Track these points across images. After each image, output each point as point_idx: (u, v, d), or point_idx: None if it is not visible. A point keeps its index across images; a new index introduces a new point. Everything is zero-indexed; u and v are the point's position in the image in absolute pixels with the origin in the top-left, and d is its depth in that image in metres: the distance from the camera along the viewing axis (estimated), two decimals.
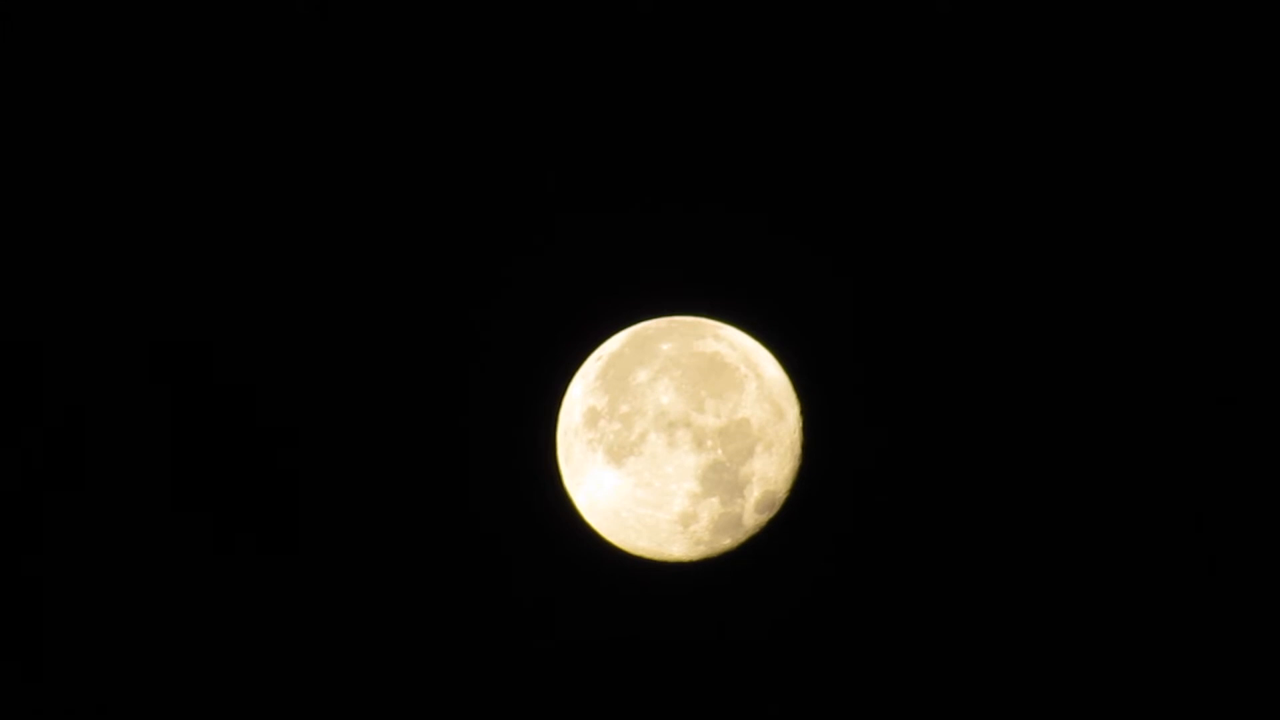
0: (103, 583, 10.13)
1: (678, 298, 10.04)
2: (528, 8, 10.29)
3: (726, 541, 9.65)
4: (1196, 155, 10.37)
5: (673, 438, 9.25)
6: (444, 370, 10.22)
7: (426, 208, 10.26)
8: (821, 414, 9.96)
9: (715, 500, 9.39)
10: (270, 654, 10.15)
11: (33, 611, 10.10)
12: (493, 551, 10.20)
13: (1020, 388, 10.31)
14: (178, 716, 10.12)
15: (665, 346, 9.58)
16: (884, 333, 10.27)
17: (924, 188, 10.32)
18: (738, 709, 10.21)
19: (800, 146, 10.29)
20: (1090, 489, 10.29)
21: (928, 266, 10.30)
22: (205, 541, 10.16)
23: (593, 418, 9.49)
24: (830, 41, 10.31)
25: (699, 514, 9.41)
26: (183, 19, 10.23)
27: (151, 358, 10.22)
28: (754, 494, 9.52)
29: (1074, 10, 10.32)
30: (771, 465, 9.57)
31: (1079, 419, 10.31)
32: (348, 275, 10.24)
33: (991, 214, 10.34)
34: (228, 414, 10.20)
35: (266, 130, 10.25)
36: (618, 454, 9.35)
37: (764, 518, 9.67)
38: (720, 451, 9.32)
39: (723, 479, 9.36)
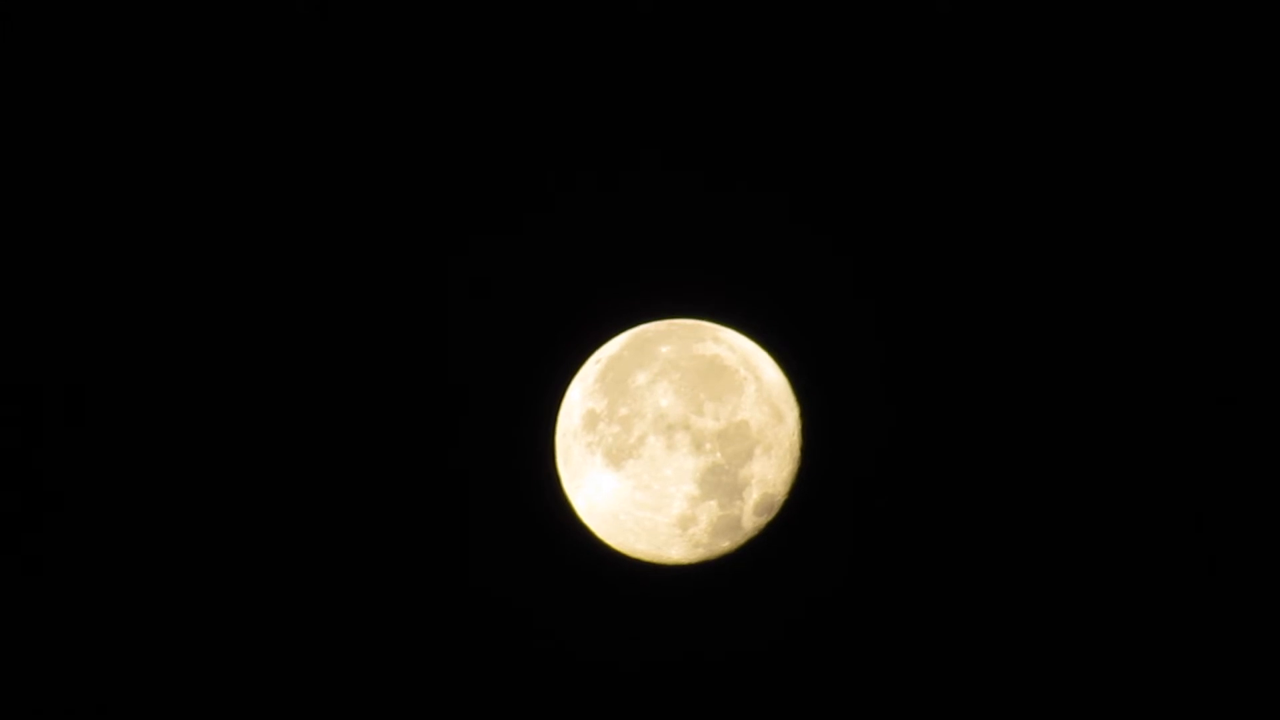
0: (102, 583, 10.16)
1: (677, 300, 10.03)
2: (528, 7, 10.28)
3: (725, 544, 9.66)
4: (1196, 155, 10.36)
5: (672, 440, 9.25)
6: (443, 372, 10.22)
7: (426, 208, 10.26)
8: (820, 417, 9.96)
9: (714, 503, 9.39)
10: (268, 657, 10.17)
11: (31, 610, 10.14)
12: (491, 554, 10.21)
13: (1020, 389, 10.31)
14: (179, 717, 10.15)
15: (664, 349, 9.58)
16: (883, 335, 10.27)
17: (924, 190, 10.31)
18: (737, 712, 10.23)
19: (800, 148, 10.28)
20: (1090, 490, 10.29)
21: (927, 269, 10.30)
22: (201, 545, 10.17)
23: (592, 420, 9.50)
24: (830, 43, 10.29)
25: (698, 517, 9.41)
26: (183, 19, 10.22)
27: (150, 356, 10.23)
28: (753, 497, 9.52)
29: (1076, 9, 10.30)
30: (770, 468, 9.57)
31: (1078, 420, 10.31)
32: (347, 276, 10.24)
33: (992, 216, 10.33)
34: (226, 414, 10.21)
35: (267, 129, 10.25)
36: (617, 457, 9.35)
37: (763, 520, 9.68)
38: (719, 454, 9.32)
39: (721, 482, 9.37)
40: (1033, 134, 10.33)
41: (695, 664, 10.22)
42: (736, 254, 10.22)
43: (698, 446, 9.27)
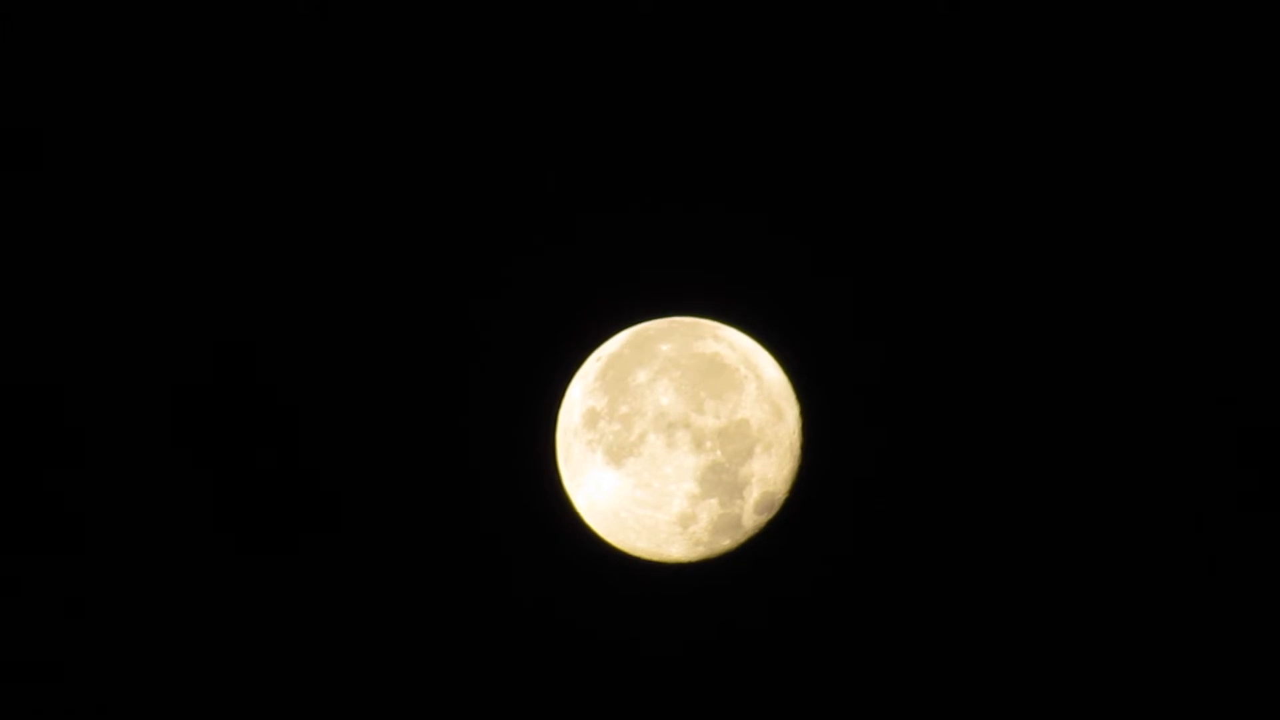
0: (100, 585, 10.15)
1: (677, 298, 10.04)
2: (528, 7, 10.28)
3: (726, 542, 9.66)
4: (1196, 155, 10.36)
5: (672, 439, 9.25)
6: (444, 370, 10.22)
7: (426, 208, 10.26)
8: (821, 415, 9.96)
9: (714, 501, 9.39)
10: (270, 654, 10.16)
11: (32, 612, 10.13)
12: (492, 552, 10.20)
13: (1020, 388, 10.31)
14: (180, 718, 10.13)
15: (665, 347, 9.57)
16: (883, 333, 10.27)
17: (923, 189, 10.31)
18: (737, 709, 10.22)
19: (800, 147, 10.28)
20: (1090, 489, 10.29)
21: (927, 267, 10.30)
22: (204, 541, 10.17)
23: (592, 418, 9.49)
24: (829, 42, 10.30)
25: (698, 515, 9.41)
26: (183, 19, 10.23)
27: (151, 356, 10.23)
28: (753, 495, 9.52)
29: (1073, 10, 10.31)
30: (771, 466, 9.57)
31: (1078, 420, 10.31)
32: (348, 275, 10.24)
33: (991, 215, 10.34)
34: (227, 412, 10.21)
35: (268, 129, 10.25)
36: (617, 455, 9.35)
37: (763, 519, 9.67)
38: (719, 452, 9.32)
39: (722, 480, 9.36)
40: (1032, 135, 10.34)
41: (695, 662, 10.21)
42: (737, 252, 10.23)
43: (698, 444, 9.27)
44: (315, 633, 10.18)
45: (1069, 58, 10.32)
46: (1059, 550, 10.25)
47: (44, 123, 10.22)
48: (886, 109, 10.31)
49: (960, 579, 10.23)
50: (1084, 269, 10.35)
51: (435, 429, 10.19)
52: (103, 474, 10.17)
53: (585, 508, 9.64)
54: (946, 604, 10.23)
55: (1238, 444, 10.28)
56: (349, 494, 10.18)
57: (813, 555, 10.19)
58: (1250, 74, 10.33)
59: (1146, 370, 10.35)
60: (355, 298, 10.24)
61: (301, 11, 10.23)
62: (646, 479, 9.30)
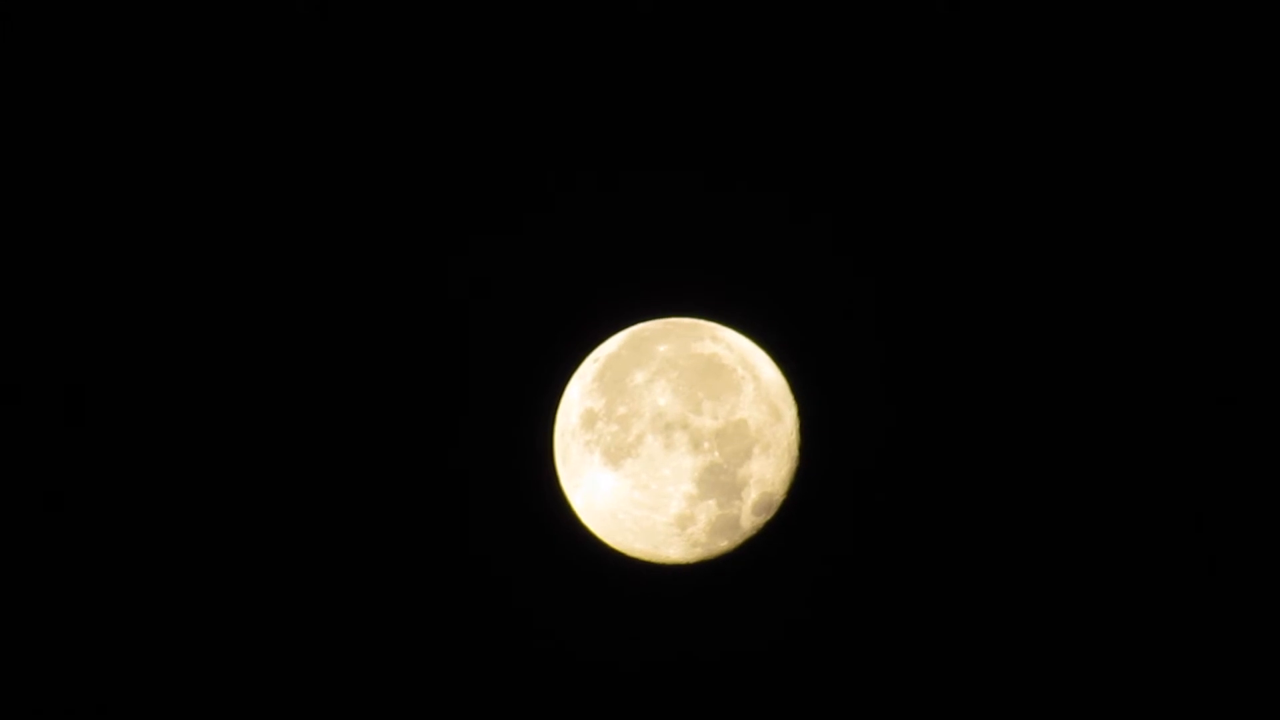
0: (103, 583, 10.16)
1: (675, 299, 10.03)
2: (528, 7, 10.28)
3: (724, 543, 9.65)
4: (1196, 155, 10.35)
5: (670, 439, 9.25)
6: (442, 371, 10.23)
7: (426, 208, 10.27)
8: (819, 415, 9.95)
9: (712, 502, 9.38)
10: (266, 658, 10.17)
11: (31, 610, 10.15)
12: (490, 553, 10.21)
13: (1019, 388, 10.31)
14: (180, 717, 10.15)
15: (662, 348, 9.57)
16: (881, 334, 10.26)
17: (923, 189, 10.30)
18: (735, 711, 10.22)
19: (799, 148, 10.28)
20: (1090, 490, 10.28)
21: (926, 267, 10.29)
22: (199, 546, 10.18)
23: (590, 419, 9.49)
24: (829, 43, 10.29)
25: (696, 516, 9.40)
26: (183, 18, 10.23)
27: (151, 356, 10.24)
28: (751, 496, 9.52)
29: (1074, 9, 10.30)
30: (769, 467, 9.56)
31: (1078, 420, 10.30)
32: (346, 275, 10.25)
33: (990, 215, 10.33)
34: (226, 414, 10.22)
35: (267, 129, 10.26)
36: (615, 456, 9.35)
37: (761, 520, 9.67)
38: (717, 453, 9.31)
39: (720, 481, 9.36)
40: (1032, 133, 10.33)
41: (693, 663, 10.21)
42: (735, 253, 10.23)
43: (696, 445, 9.26)
44: (315, 633, 10.18)
45: (1068, 57, 10.31)
46: (1059, 551, 10.24)
47: (44, 123, 10.24)
48: (886, 110, 10.30)
49: (959, 580, 10.23)
50: (1083, 271, 10.34)
51: (434, 429, 10.20)
52: (102, 474, 10.18)
53: (583, 509, 9.64)
54: (945, 605, 10.22)
55: (1238, 444, 10.27)
56: (346, 495, 10.18)
57: (811, 556, 10.19)
58: (1250, 74, 10.32)
59: (1146, 370, 10.34)
60: (354, 298, 10.25)
61: (301, 11, 10.23)
62: (644, 480, 9.30)
